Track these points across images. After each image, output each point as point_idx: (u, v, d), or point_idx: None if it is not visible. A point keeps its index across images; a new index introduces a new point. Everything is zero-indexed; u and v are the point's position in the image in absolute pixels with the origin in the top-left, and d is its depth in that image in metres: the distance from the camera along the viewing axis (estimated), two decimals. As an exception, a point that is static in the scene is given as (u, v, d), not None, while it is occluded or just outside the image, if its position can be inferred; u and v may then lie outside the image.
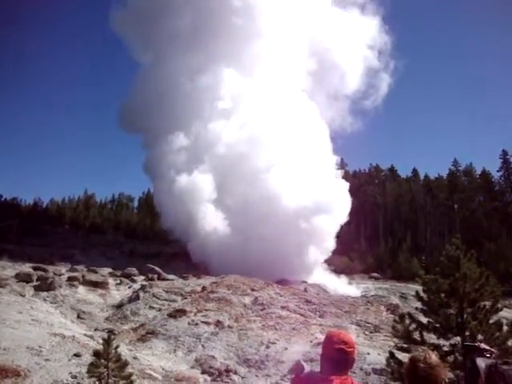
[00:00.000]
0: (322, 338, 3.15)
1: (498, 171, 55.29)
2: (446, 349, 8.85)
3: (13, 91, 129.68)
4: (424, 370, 2.36)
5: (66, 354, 13.31)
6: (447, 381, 2.43)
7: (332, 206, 36.27)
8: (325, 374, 2.39)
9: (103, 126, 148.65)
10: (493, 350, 3.08)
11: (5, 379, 9.98)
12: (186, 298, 23.56)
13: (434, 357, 2.44)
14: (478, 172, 58.18)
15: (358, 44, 49.03)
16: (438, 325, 9.20)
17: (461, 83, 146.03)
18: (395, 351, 9.49)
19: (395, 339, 10.08)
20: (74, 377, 11.56)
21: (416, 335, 9.33)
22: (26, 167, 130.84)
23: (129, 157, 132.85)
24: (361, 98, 54.74)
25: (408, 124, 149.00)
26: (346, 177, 45.06)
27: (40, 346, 13.32)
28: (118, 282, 28.22)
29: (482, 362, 2.73)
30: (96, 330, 19.05)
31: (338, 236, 38.04)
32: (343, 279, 36.73)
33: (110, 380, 10.23)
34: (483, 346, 3.07)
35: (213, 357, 16.85)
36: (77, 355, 13.21)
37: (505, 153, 54.42)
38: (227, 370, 16.00)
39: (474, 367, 2.79)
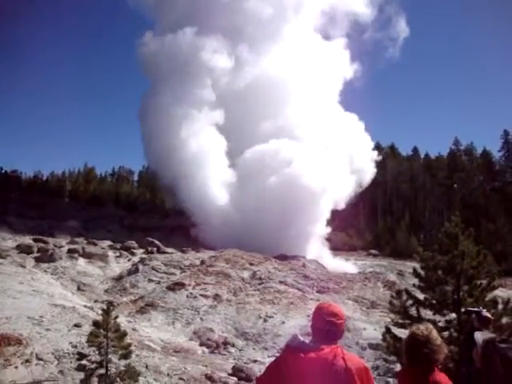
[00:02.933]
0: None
1: (499, 151, 55.23)
2: (441, 324, 8.96)
3: (12, 66, 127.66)
4: (426, 347, 2.36)
5: (66, 324, 13.47)
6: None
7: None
8: (315, 343, 2.46)
9: (104, 98, 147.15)
10: (491, 317, 3.16)
11: (7, 347, 10.15)
12: (184, 272, 23.76)
13: (435, 334, 2.44)
14: (479, 152, 58.02)
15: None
16: (434, 301, 9.28)
17: (462, 61, 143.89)
18: (391, 326, 9.61)
19: (391, 315, 10.19)
20: (75, 346, 11.73)
21: (412, 311, 9.43)
22: (27, 140, 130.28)
23: (129, 130, 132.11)
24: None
25: (409, 102, 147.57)
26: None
27: (41, 316, 13.48)
28: (118, 254, 28.41)
29: (479, 336, 2.76)
30: (96, 301, 19.24)
31: (337, 212, 38.19)
32: (341, 255, 37.00)
33: (109, 349, 10.39)
34: (485, 312, 3.16)
35: (211, 329, 17.12)
36: (77, 325, 13.37)
37: (506, 133, 54.19)
38: (225, 343, 16.28)
39: (470, 339, 2.84)
